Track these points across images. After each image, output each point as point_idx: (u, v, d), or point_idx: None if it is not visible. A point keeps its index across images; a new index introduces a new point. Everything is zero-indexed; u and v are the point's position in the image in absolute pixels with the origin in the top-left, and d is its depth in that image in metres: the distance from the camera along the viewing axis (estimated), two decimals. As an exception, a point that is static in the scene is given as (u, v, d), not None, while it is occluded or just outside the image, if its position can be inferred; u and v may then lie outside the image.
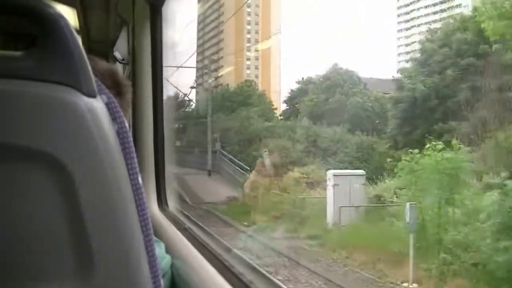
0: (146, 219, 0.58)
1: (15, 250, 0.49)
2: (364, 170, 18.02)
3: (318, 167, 19.84)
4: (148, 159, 2.01)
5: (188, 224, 1.75)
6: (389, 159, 19.77)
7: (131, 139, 0.58)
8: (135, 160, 0.58)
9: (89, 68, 0.52)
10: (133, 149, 0.58)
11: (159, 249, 1.23)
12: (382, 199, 14.84)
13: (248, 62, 42.82)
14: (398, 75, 25.29)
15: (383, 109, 26.19)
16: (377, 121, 26.18)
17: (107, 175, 0.51)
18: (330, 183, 14.68)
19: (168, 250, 1.29)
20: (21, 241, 0.49)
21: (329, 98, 26.85)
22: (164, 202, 2.05)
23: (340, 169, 20.13)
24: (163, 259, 1.23)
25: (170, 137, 2.28)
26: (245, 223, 15.00)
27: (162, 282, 0.61)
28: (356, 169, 19.98)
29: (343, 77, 27.62)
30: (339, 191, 14.36)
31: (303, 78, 31.72)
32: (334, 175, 14.83)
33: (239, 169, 21.80)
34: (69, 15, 2.55)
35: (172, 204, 2.10)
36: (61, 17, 0.51)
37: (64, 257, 0.50)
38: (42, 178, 0.49)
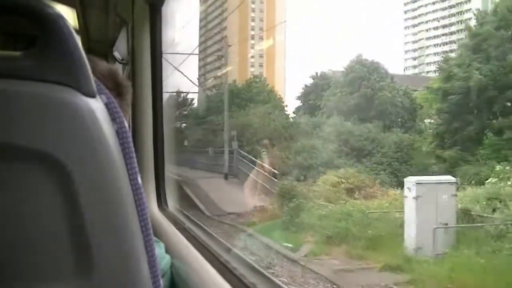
0: (145, 219, 0.58)
1: (15, 250, 0.49)
2: (406, 173, 15.12)
3: (357, 170, 16.75)
4: (147, 159, 2.01)
5: (194, 229, 1.74)
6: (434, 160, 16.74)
7: (130, 139, 0.58)
8: (135, 160, 0.58)
9: (89, 68, 0.52)
10: (133, 149, 0.58)
11: (159, 249, 1.23)
12: (473, 214, 10.78)
13: (252, 60, 41.01)
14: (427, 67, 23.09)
15: (412, 104, 23.76)
16: (406, 118, 23.43)
17: (107, 175, 0.51)
18: (410, 193, 10.81)
19: (167, 250, 1.29)
20: (20, 241, 0.49)
21: (354, 92, 23.76)
22: (164, 202, 2.05)
23: (377, 171, 17.34)
24: (163, 259, 1.23)
25: (170, 136, 2.28)
26: (289, 245, 10.73)
27: (161, 282, 0.61)
28: (396, 171, 17.24)
29: (368, 69, 24.61)
30: (423, 204, 10.39)
31: (317, 73, 29.68)
32: (417, 183, 10.85)
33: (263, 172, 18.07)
34: (69, 15, 2.55)
35: (172, 204, 2.10)
36: (60, 17, 0.51)
37: (64, 257, 0.50)
38: (42, 178, 0.49)
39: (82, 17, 2.59)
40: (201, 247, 1.47)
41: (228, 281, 1.19)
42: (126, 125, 0.58)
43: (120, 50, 2.48)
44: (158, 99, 2.07)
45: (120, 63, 2.44)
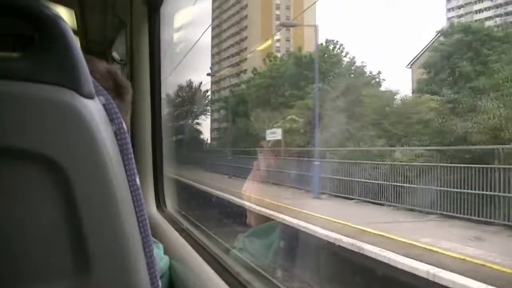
0: (144, 220, 0.58)
1: (11, 252, 0.48)
2: None
3: None
4: (146, 160, 2.01)
5: (193, 230, 1.75)
6: None
7: (129, 140, 0.58)
8: (133, 161, 0.58)
9: (87, 69, 0.52)
10: (131, 150, 0.58)
11: (158, 250, 1.24)
12: None
13: (277, 44, 35.14)
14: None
15: None
16: None
17: (105, 176, 0.51)
18: None
19: (166, 251, 1.29)
20: (16, 243, 0.49)
21: None
22: (163, 203, 2.06)
23: None
24: (161, 260, 1.23)
25: (168, 136, 2.28)
26: None
27: (160, 283, 0.61)
28: None
29: None
30: None
31: (452, 25, 20.08)
32: None
33: None
34: (67, 16, 2.55)
35: (170, 204, 2.11)
36: (58, 18, 0.51)
37: (61, 259, 0.50)
38: (39, 180, 0.49)
39: (80, 18, 2.60)
40: (199, 248, 1.47)
41: (227, 282, 1.19)
42: (125, 126, 0.58)
43: (118, 50, 2.48)
44: (157, 99, 2.08)
45: (118, 63, 2.44)
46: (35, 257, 0.49)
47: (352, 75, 21.60)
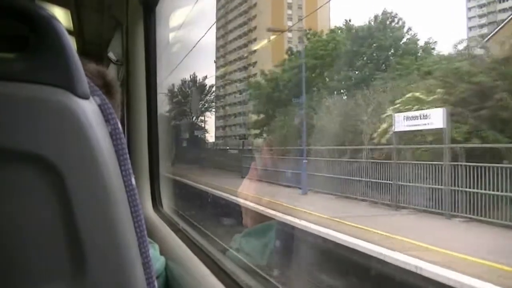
0: (140, 220, 0.58)
1: (5, 253, 0.48)
2: None
3: None
4: (142, 160, 2.01)
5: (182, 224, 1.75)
6: None
7: (124, 140, 0.58)
8: (128, 161, 0.58)
9: (82, 69, 0.53)
10: (126, 150, 0.58)
11: (154, 250, 1.24)
12: None
13: (289, 35, 32.54)
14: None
15: None
16: None
17: (100, 177, 0.51)
18: None
19: (162, 251, 1.29)
20: (11, 244, 0.49)
21: None
22: (159, 203, 2.06)
23: None
24: (158, 261, 1.23)
25: (164, 136, 2.28)
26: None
27: (156, 283, 0.61)
28: None
29: None
30: None
31: None
32: None
33: None
34: (63, 17, 2.55)
35: (167, 204, 2.10)
36: (53, 18, 0.51)
37: (56, 260, 0.50)
38: (35, 181, 0.49)
39: (76, 18, 2.59)
40: (195, 248, 1.48)
41: (223, 282, 1.20)
42: (120, 126, 0.58)
43: (115, 51, 2.48)
44: (152, 99, 2.07)
45: (115, 64, 2.44)
46: (30, 258, 0.49)
47: (421, 53, 17.65)
